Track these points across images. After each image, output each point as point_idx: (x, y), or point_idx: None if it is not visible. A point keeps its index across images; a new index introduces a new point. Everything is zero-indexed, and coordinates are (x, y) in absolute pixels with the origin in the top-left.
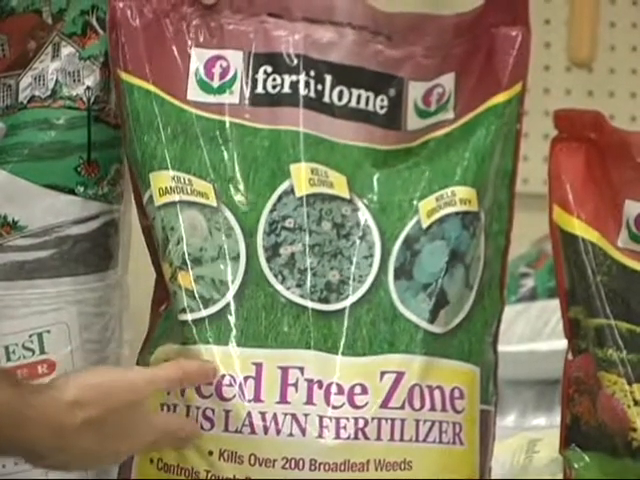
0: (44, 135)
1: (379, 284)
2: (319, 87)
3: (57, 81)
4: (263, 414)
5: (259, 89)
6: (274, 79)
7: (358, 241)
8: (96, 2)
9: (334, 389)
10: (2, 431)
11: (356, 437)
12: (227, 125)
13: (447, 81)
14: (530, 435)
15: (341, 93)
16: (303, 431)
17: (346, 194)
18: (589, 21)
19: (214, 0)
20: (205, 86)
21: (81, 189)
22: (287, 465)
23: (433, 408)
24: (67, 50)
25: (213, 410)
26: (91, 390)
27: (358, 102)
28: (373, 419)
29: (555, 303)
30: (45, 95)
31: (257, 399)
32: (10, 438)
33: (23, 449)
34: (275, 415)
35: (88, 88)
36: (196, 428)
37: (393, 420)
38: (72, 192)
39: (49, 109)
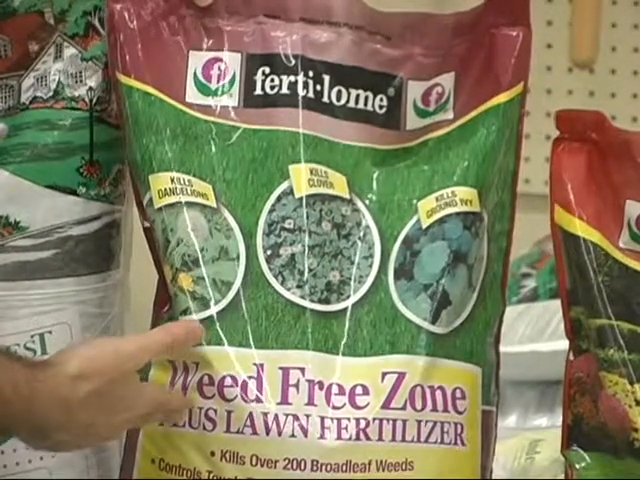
0: (46, 136)
1: (379, 284)
2: (318, 87)
3: (59, 82)
4: (265, 415)
5: (257, 90)
6: (272, 80)
7: (358, 241)
8: (98, 3)
9: (335, 390)
10: (14, 406)
11: (357, 438)
12: (226, 127)
13: (446, 81)
14: (531, 436)
15: (340, 93)
16: (305, 432)
17: (346, 194)
18: (591, 22)
19: (209, 1)
20: (203, 88)
21: (83, 190)
22: (289, 466)
23: (435, 409)
24: (69, 51)
25: (215, 411)
26: (92, 362)
27: (357, 102)
28: (374, 420)
29: (556, 303)
30: (47, 96)
31: (259, 400)
32: (21, 413)
33: (31, 426)
34: (276, 416)
35: (90, 89)
36: (187, 400)
37: (395, 421)
38: (74, 193)
39: (51, 110)
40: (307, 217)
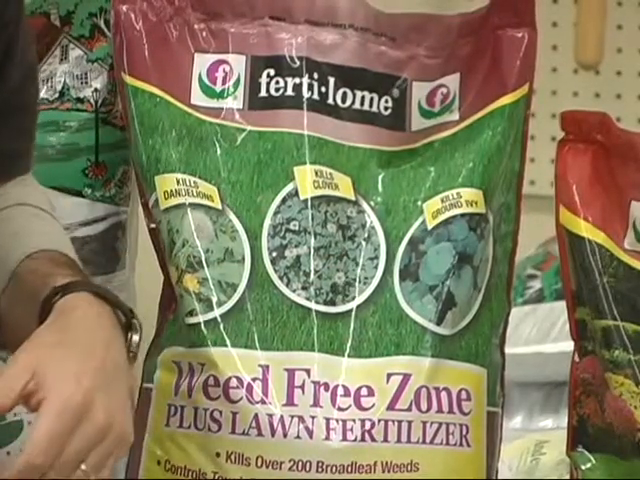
0: (52, 137)
1: (385, 285)
2: (323, 89)
3: (65, 83)
4: (270, 416)
5: (262, 92)
6: (277, 82)
7: (364, 243)
8: (104, 5)
9: (340, 391)
10: None
11: (363, 439)
12: (231, 128)
13: (451, 82)
14: (537, 437)
15: (345, 95)
16: (310, 433)
17: (351, 196)
18: (596, 23)
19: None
20: (208, 91)
21: (88, 191)
22: (294, 467)
23: (440, 410)
24: (75, 53)
25: (220, 412)
26: None
27: (362, 104)
28: (380, 421)
29: (562, 305)
30: (53, 97)
31: (264, 401)
32: None
33: None
34: (282, 417)
35: (96, 90)
36: None
37: (400, 422)
38: (79, 194)
39: (57, 111)
40: (312, 219)
